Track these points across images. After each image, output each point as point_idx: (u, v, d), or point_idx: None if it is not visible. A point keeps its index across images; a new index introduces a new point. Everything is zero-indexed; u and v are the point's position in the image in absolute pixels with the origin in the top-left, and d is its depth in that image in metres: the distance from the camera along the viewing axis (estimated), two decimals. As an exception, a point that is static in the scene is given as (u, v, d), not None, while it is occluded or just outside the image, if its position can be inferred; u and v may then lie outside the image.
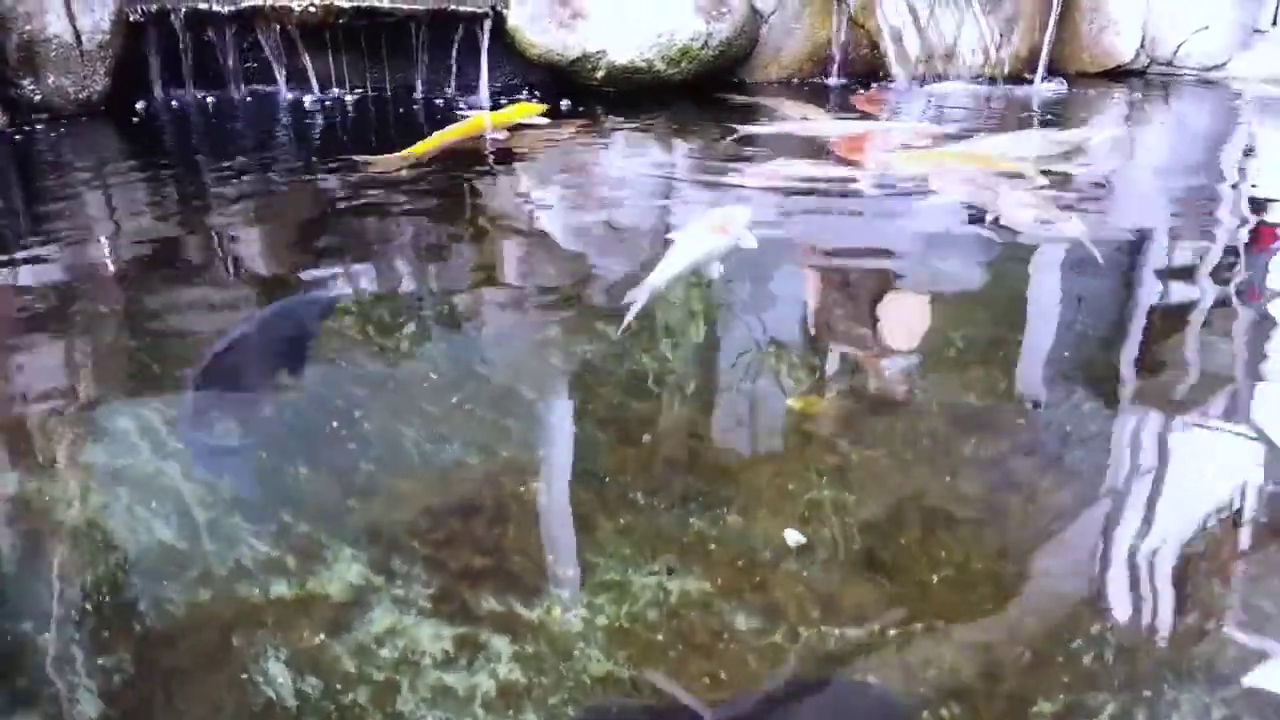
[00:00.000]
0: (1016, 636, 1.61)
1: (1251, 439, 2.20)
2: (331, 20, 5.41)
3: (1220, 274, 3.20)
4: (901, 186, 4.04)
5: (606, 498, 1.97)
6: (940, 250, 3.36)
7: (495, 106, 5.48)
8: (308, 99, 5.71)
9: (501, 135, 4.91)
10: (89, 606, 1.69)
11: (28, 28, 4.91)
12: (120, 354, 2.68)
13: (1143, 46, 6.62)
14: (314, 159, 4.66)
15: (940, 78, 6.33)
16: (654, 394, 2.40)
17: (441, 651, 1.59)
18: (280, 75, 5.68)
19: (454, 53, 5.78)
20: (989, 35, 6.32)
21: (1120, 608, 1.69)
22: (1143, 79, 6.70)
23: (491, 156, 4.64)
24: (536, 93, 5.84)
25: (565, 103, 5.48)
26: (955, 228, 3.55)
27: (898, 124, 5.35)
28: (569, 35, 5.69)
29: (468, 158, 4.57)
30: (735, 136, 4.86)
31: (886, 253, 3.37)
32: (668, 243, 3.01)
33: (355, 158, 4.34)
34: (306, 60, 5.66)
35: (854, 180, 4.16)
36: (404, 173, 4.23)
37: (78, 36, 5.01)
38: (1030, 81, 6.41)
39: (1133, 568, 1.78)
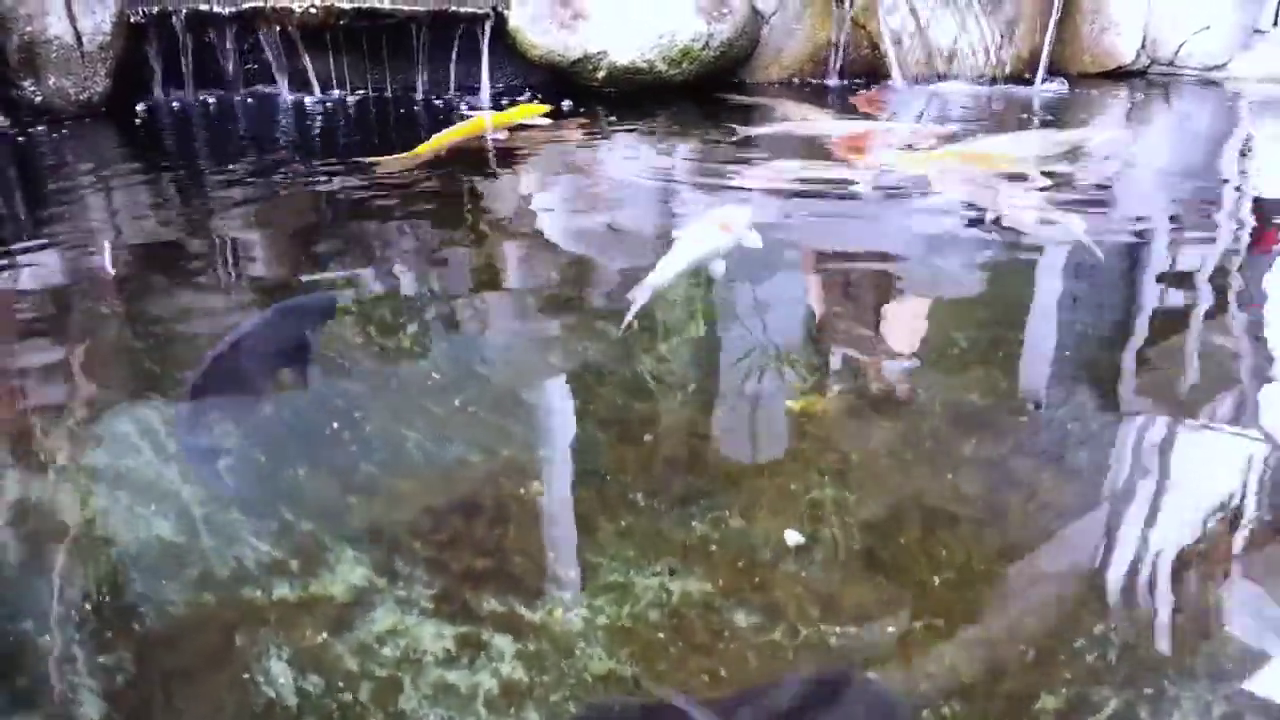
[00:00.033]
0: (1017, 636, 1.61)
1: (1252, 438, 2.20)
2: (332, 21, 5.41)
3: (1221, 274, 3.19)
4: (902, 187, 4.04)
5: (608, 498, 1.96)
6: (941, 250, 3.36)
7: (496, 107, 5.49)
8: (308, 100, 5.72)
9: (503, 136, 4.91)
10: (91, 607, 1.69)
11: (29, 29, 4.91)
12: (121, 355, 2.69)
13: (1143, 47, 6.62)
14: (315, 160, 4.66)
15: (941, 78, 6.33)
16: (655, 394, 2.40)
17: (443, 651, 1.59)
18: (281, 77, 5.68)
19: (455, 54, 5.78)
20: (990, 36, 6.32)
21: (1120, 606, 1.68)
22: (1144, 79, 6.70)
23: (493, 157, 4.65)
24: (538, 94, 5.84)
25: (567, 103, 5.49)
26: (956, 227, 3.55)
27: (898, 124, 5.35)
28: (570, 36, 5.69)
29: (470, 158, 4.57)
30: (736, 137, 4.86)
31: (887, 253, 3.37)
32: (670, 242, 3.01)
33: (364, 159, 4.35)
34: (307, 61, 5.66)
35: (855, 181, 4.16)
36: (407, 173, 4.24)
37: (78, 38, 5.02)
38: (1031, 82, 6.41)
39: (1133, 567, 1.78)
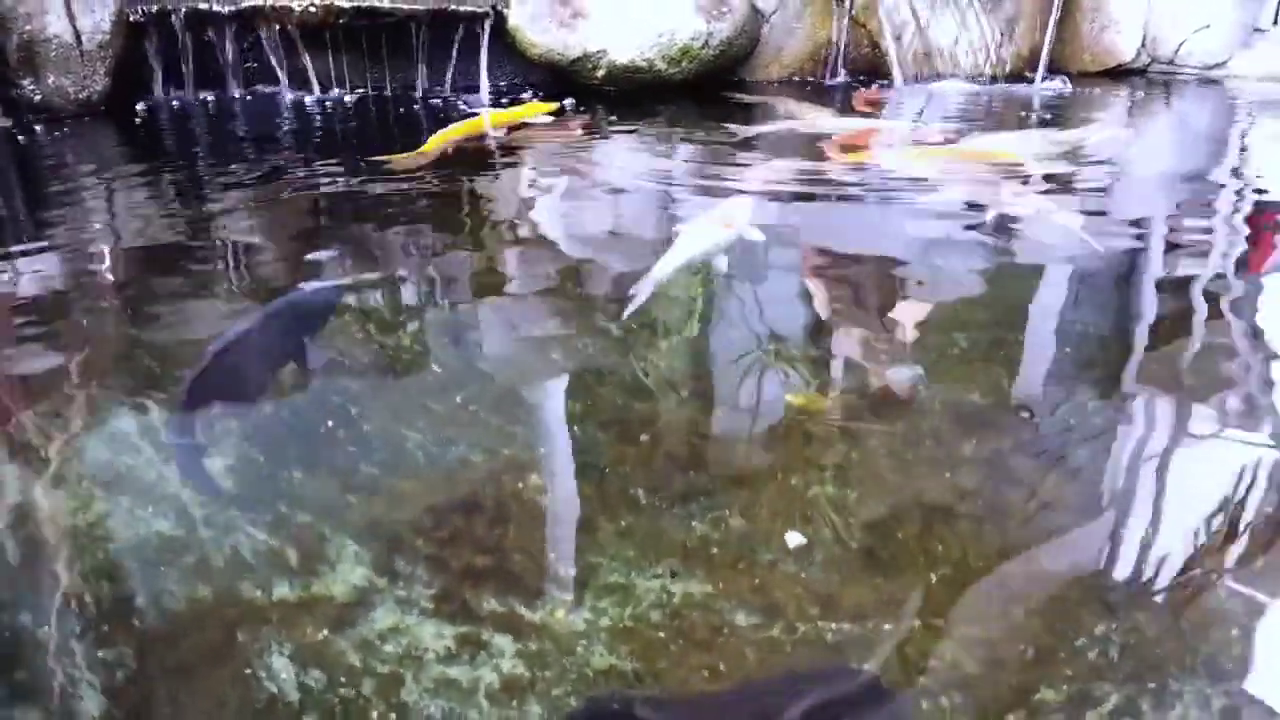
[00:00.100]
0: (1017, 634, 1.61)
1: (1252, 436, 2.20)
2: (332, 20, 5.41)
3: (1220, 273, 3.19)
4: (902, 184, 4.04)
5: (608, 497, 1.96)
6: (941, 248, 3.36)
7: (496, 106, 5.49)
8: (308, 99, 5.71)
9: (506, 134, 4.92)
10: (91, 605, 1.69)
11: (28, 28, 4.91)
12: (121, 354, 2.68)
13: (1144, 45, 6.62)
14: (316, 160, 4.66)
15: (941, 77, 6.33)
16: (655, 393, 2.40)
17: (444, 649, 1.58)
18: (281, 75, 5.68)
19: (454, 52, 5.78)
20: (990, 34, 6.32)
21: (1120, 605, 1.68)
22: (1144, 78, 6.70)
23: (495, 156, 4.64)
24: (539, 93, 5.84)
25: (569, 102, 5.48)
26: (956, 225, 3.55)
27: (899, 123, 5.35)
28: (569, 35, 5.69)
29: (472, 157, 4.57)
30: (736, 136, 4.86)
31: (887, 251, 3.37)
32: (671, 239, 3.02)
33: (375, 159, 4.35)
34: (307, 60, 5.66)
35: (855, 179, 4.16)
36: (408, 172, 4.24)
37: (78, 37, 5.02)
38: (1031, 81, 6.41)
39: (1133, 565, 1.78)
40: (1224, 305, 2.94)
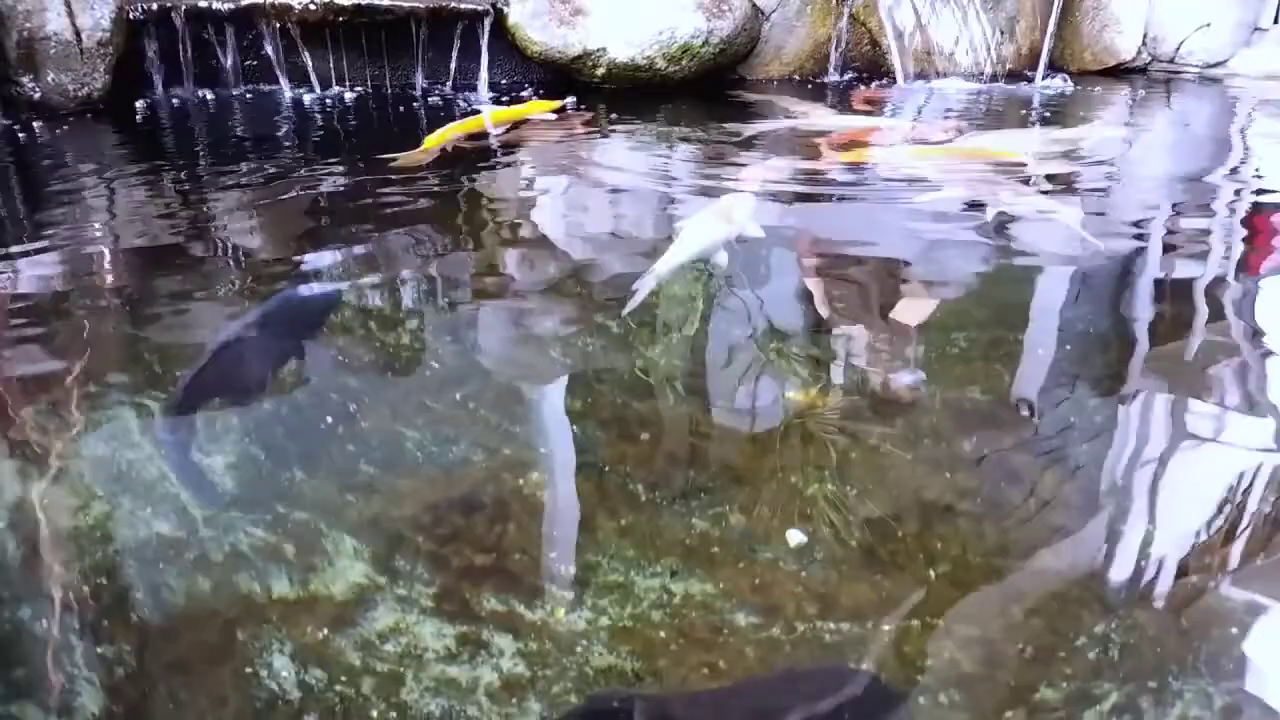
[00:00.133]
0: (1017, 632, 1.61)
1: (1251, 435, 2.20)
2: (332, 18, 5.40)
3: (1220, 270, 3.19)
4: (902, 183, 4.04)
5: (608, 495, 1.96)
6: (941, 246, 3.36)
7: (496, 104, 5.48)
8: (307, 97, 5.71)
9: (507, 132, 4.91)
10: (91, 603, 1.69)
11: (27, 25, 4.90)
12: (120, 353, 2.68)
13: (1144, 44, 6.62)
14: (316, 158, 4.66)
15: (941, 75, 6.32)
16: (655, 391, 2.40)
17: (444, 648, 1.58)
18: (281, 73, 5.67)
19: (454, 50, 5.77)
20: (990, 33, 6.31)
21: (1120, 604, 1.68)
22: (1144, 76, 6.69)
23: (496, 153, 4.64)
24: (539, 91, 5.84)
25: (570, 100, 5.47)
26: (956, 223, 3.55)
27: (899, 121, 5.35)
28: (569, 33, 5.68)
29: (472, 154, 4.57)
30: (737, 135, 4.85)
31: (887, 249, 3.37)
32: (671, 236, 3.02)
33: (380, 156, 4.35)
34: (307, 58, 5.65)
35: (855, 177, 4.16)
36: (408, 170, 4.23)
37: (77, 34, 5.01)
38: (1032, 79, 6.40)
39: (1132, 564, 1.78)
40: (1223, 304, 2.94)
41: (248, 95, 5.70)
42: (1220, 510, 1.93)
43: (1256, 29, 6.68)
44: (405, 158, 4.32)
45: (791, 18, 6.25)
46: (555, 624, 1.63)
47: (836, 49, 6.33)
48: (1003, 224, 3.48)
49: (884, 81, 6.32)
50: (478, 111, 5.24)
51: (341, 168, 4.33)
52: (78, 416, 2.27)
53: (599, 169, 4.58)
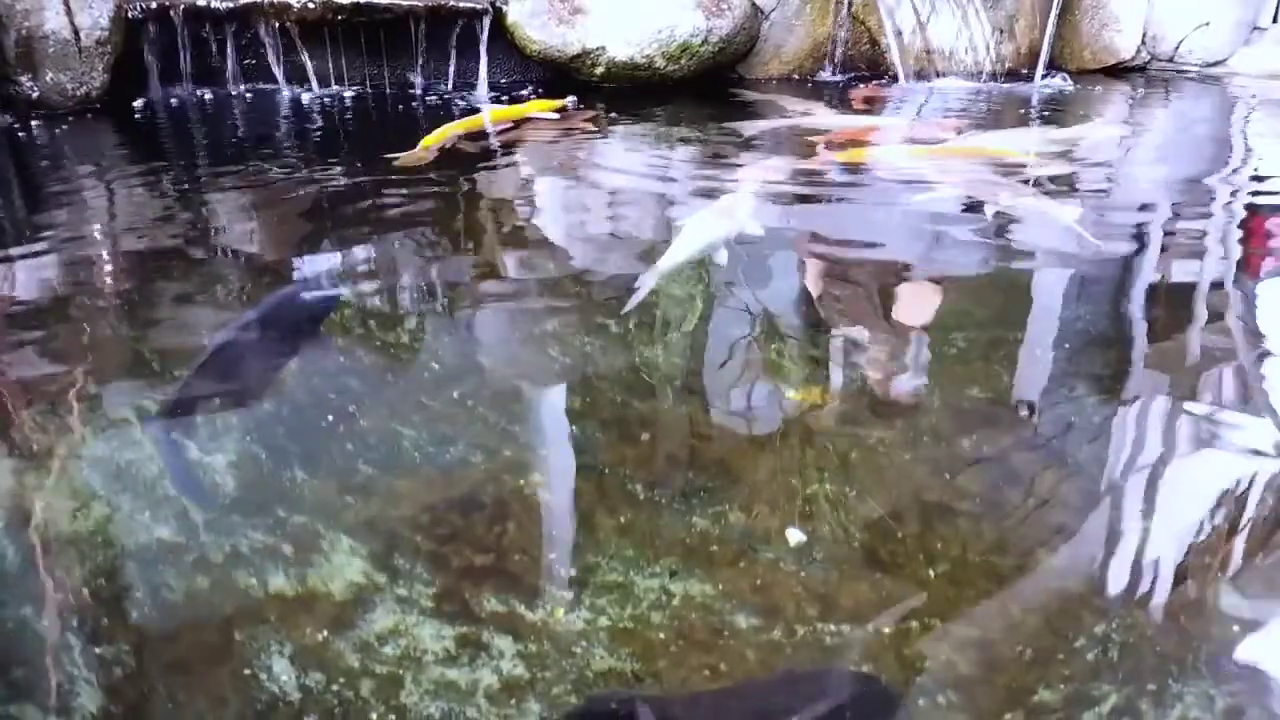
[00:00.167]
0: (1017, 633, 1.61)
1: (1251, 433, 2.20)
2: (330, 17, 5.40)
3: (1218, 268, 3.19)
4: (901, 181, 4.04)
5: (608, 494, 1.96)
6: (940, 245, 3.36)
7: (495, 103, 5.48)
8: (306, 96, 5.70)
9: (508, 131, 4.91)
10: (89, 603, 1.69)
11: (26, 25, 4.90)
12: (118, 355, 2.68)
13: (1144, 43, 6.62)
14: (315, 157, 4.65)
15: (941, 74, 6.32)
16: (654, 390, 2.40)
17: (443, 650, 1.58)
18: (279, 72, 5.67)
19: (453, 49, 5.77)
20: (990, 32, 6.31)
21: (1119, 604, 1.68)
22: (1144, 75, 6.69)
23: (496, 152, 4.64)
24: (538, 90, 5.83)
25: (572, 99, 5.47)
26: (955, 223, 3.55)
27: (898, 120, 5.35)
28: (569, 31, 5.68)
29: (472, 154, 4.57)
30: (736, 133, 4.85)
31: (887, 247, 3.37)
32: (672, 234, 3.03)
33: (377, 156, 4.34)
34: (305, 57, 5.65)
35: (854, 176, 4.15)
36: (412, 168, 4.23)
37: (76, 33, 5.00)
38: (1031, 78, 6.40)
39: (1132, 564, 1.78)
40: (1223, 305, 2.94)
41: (246, 94, 5.69)
42: (1219, 511, 1.93)
43: (1256, 28, 6.68)
44: (405, 158, 4.31)
45: (791, 16, 6.24)
46: (554, 624, 1.62)
47: (836, 48, 6.33)
48: (1002, 223, 3.48)
49: (883, 81, 6.32)
50: (477, 110, 5.24)
51: (340, 167, 4.32)
52: (74, 418, 2.26)
53: (598, 168, 4.58)
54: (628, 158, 4.72)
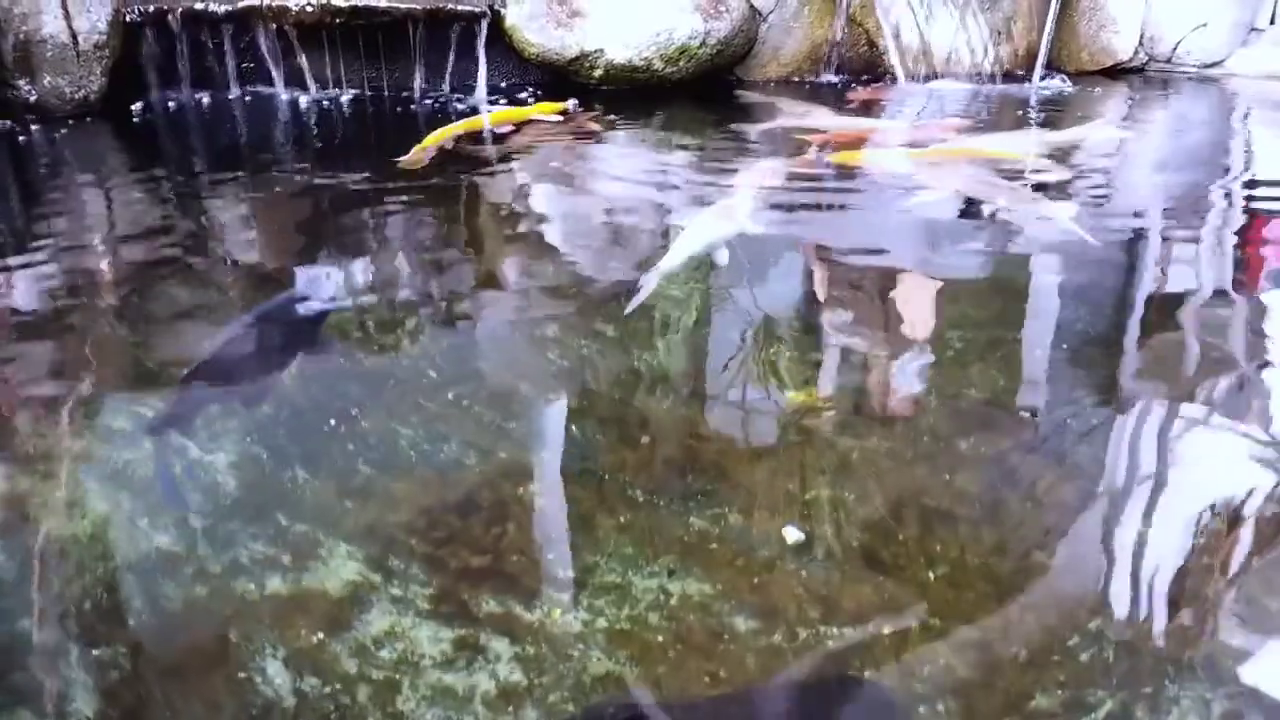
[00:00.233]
0: (1015, 635, 1.60)
1: (1250, 435, 2.19)
2: (328, 20, 5.39)
3: (1216, 268, 3.19)
4: (900, 182, 4.04)
5: (606, 496, 1.95)
6: (937, 246, 3.36)
7: (494, 106, 5.48)
8: (304, 99, 5.70)
9: (509, 133, 4.91)
10: (87, 606, 1.68)
11: (24, 28, 4.89)
12: (117, 356, 2.67)
13: (1141, 44, 6.62)
14: (313, 160, 4.65)
15: (939, 76, 6.32)
16: (654, 391, 2.39)
17: (440, 653, 1.58)
18: (277, 76, 5.66)
19: (451, 52, 5.76)
20: (987, 33, 6.31)
21: (1118, 606, 1.68)
22: (1142, 77, 6.69)
23: (496, 155, 4.64)
24: (537, 92, 5.83)
25: (573, 102, 5.46)
26: (953, 222, 3.55)
27: (897, 122, 5.35)
28: (567, 34, 5.68)
29: (472, 156, 4.57)
30: (735, 135, 4.85)
31: (885, 248, 3.37)
32: (672, 236, 3.04)
33: (376, 158, 4.34)
34: (303, 60, 5.64)
35: (852, 177, 4.15)
36: (413, 170, 4.22)
37: (74, 37, 5.00)
38: (1029, 79, 6.40)
39: (1132, 565, 1.77)
40: (1220, 306, 2.93)
41: (244, 98, 5.69)
42: (1218, 513, 1.93)
43: (1253, 29, 6.68)
44: (406, 159, 4.31)
45: (789, 19, 6.24)
46: (552, 625, 1.62)
47: (834, 50, 6.33)
48: (999, 225, 3.48)
49: (882, 82, 6.32)
50: (476, 111, 5.23)
51: (339, 171, 4.32)
52: (73, 416, 2.26)
53: (598, 171, 4.58)
54: (627, 160, 4.72)
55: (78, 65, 5.06)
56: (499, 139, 4.84)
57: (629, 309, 2.65)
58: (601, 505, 1.93)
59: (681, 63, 5.76)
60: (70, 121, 5.10)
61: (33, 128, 4.98)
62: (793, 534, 1.81)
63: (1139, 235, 3.52)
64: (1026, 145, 4.54)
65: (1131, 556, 1.80)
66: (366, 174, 4.27)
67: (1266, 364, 2.54)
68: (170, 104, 5.51)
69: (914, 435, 2.17)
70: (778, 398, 2.34)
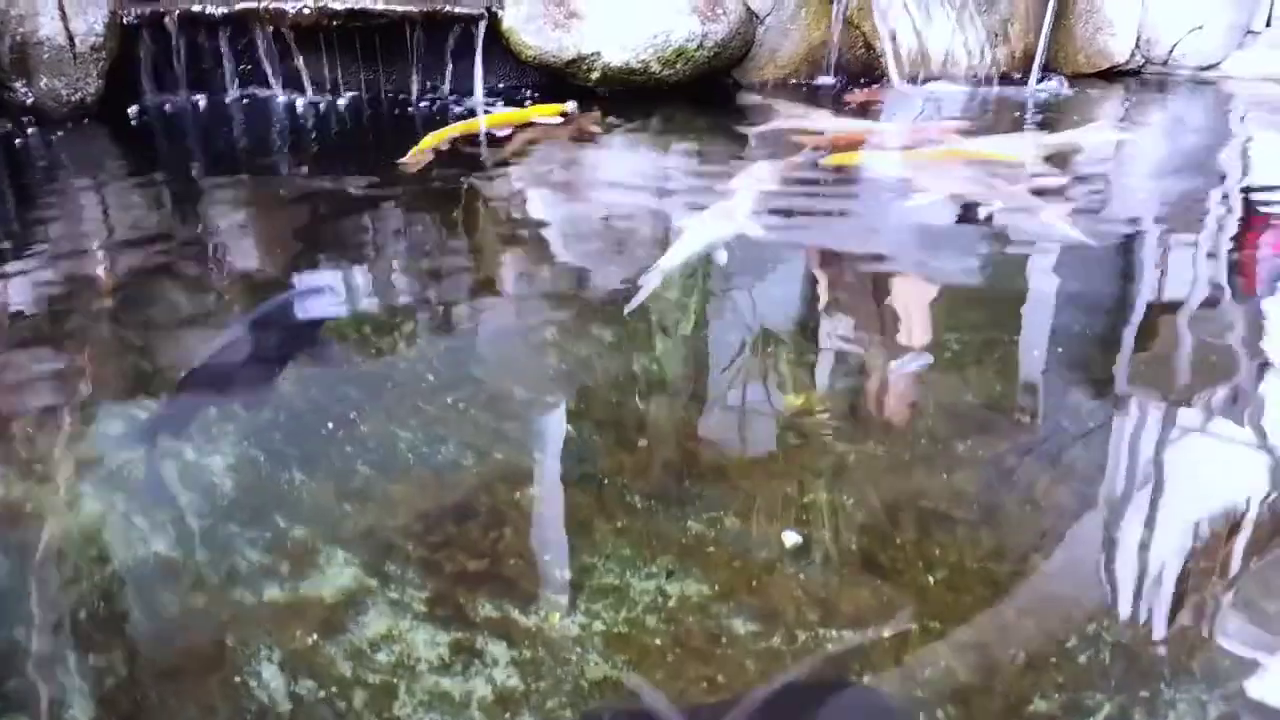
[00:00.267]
0: (1014, 638, 1.60)
1: (1248, 437, 2.20)
2: (326, 22, 5.39)
3: (1213, 271, 3.19)
4: (897, 185, 4.04)
5: (604, 499, 1.95)
6: (934, 248, 3.36)
7: (491, 108, 5.48)
8: (301, 102, 5.69)
9: (508, 135, 4.90)
10: (83, 611, 1.68)
11: (20, 30, 4.89)
12: (114, 359, 2.67)
13: (1138, 47, 6.63)
14: (310, 162, 4.65)
15: (936, 78, 6.33)
16: (652, 395, 2.39)
17: (437, 657, 1.57)
18: (275, 78, 5.66)
19: (449, 55, 5.76)
20: (984, 36, 6.32)
21: (1117, 609, 1.68)
22: (1138, 79, 6.71)
23: (495, 157, 4.63)
24: (535, 94, 5.83)
25: (572, 104, 5.45)
26: (950, 224, 3.55)
27: (893, 124, 5.35)
28: (564, 36, 5.68)
29: (471, 159, 4.57)
30: (732, 137, 4.85)
31: (882, 251, 3.37)
32: (671, 237, 3.05)
33: (375, 160, 4.34)
34: (300, 63, 5.64)
35: (849, 179, 4.16)
36: (406, 174, 4.22)
37: (71, 39, 4.99)
38: (1026, 82, 6.41)
39: (1130, 567, 1.77)
40: (1218, 308, 2.94)
41: (242, 100, 5.68)
42: (1216, 516, 1.93)
43: (1249, 31, 6.69)
44: (404, 162, 4.31)
45: (786, 21, 6.25)
46: (550, 629, 1.62)
47: (831, 52, 6.33)
48: (997, 227, 3.48)
49: (879, 85, 6.33)
50: (474, 114, 5.23)
51: (336, 173, 4.32)
52: (69, 420, 2.26)
53: (595, 173, 4.58)
54: (625, 162, 4.72)
55: (74, 67, 5.05)
56: (498, 141, 4.84)
57: (629, 308, 2.67)
58: (599, 508, 1.93)
59: (679, 65, 5.76)
60: (67, 124, 5.09)
61: (29, 130, 4.97)
62: (791, 538, 1.81)
63: (1136, 238, 3.53)
64: (1024, 148, 4.55)
65: (1129, 559, 1.80)
66: (365, 176, 4.27)
67: (1263, 367, 2.54)
68: (167, 106, 5.50)
69: (911, 438, 2.17)
70: (775, 401, 2.34)
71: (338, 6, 5.31)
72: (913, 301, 2.99)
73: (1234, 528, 1.89)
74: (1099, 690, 1.49)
